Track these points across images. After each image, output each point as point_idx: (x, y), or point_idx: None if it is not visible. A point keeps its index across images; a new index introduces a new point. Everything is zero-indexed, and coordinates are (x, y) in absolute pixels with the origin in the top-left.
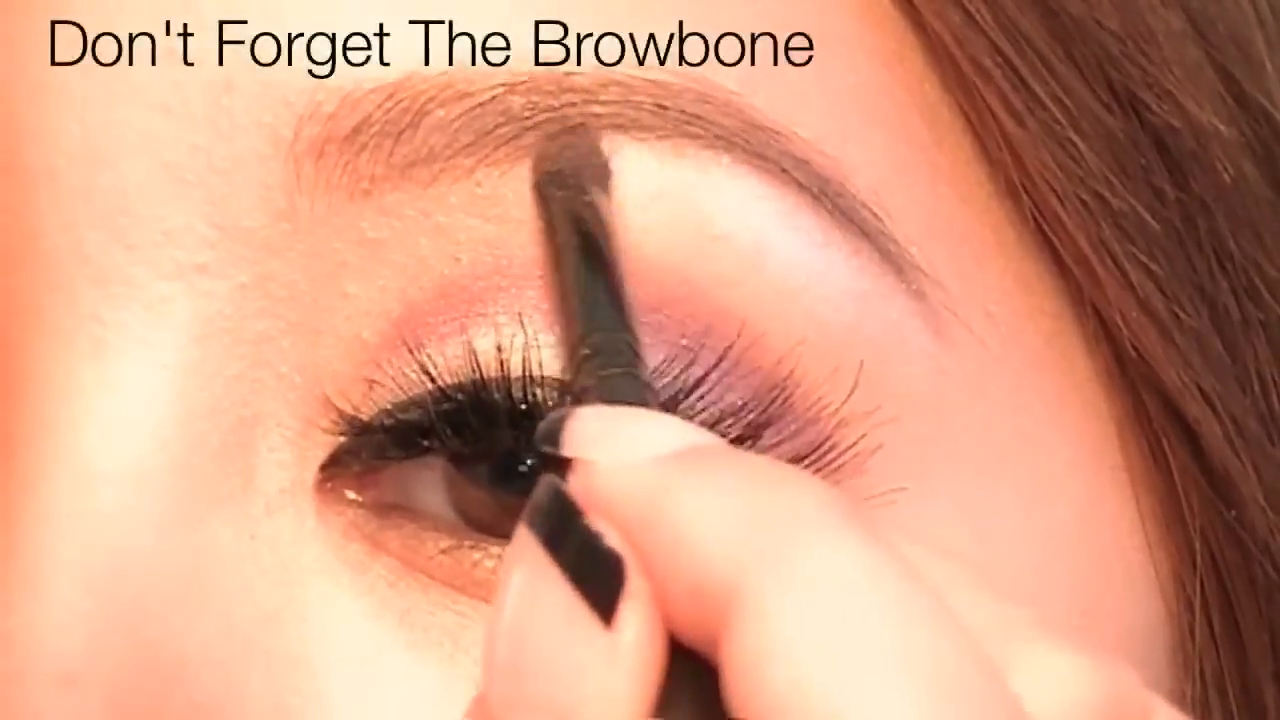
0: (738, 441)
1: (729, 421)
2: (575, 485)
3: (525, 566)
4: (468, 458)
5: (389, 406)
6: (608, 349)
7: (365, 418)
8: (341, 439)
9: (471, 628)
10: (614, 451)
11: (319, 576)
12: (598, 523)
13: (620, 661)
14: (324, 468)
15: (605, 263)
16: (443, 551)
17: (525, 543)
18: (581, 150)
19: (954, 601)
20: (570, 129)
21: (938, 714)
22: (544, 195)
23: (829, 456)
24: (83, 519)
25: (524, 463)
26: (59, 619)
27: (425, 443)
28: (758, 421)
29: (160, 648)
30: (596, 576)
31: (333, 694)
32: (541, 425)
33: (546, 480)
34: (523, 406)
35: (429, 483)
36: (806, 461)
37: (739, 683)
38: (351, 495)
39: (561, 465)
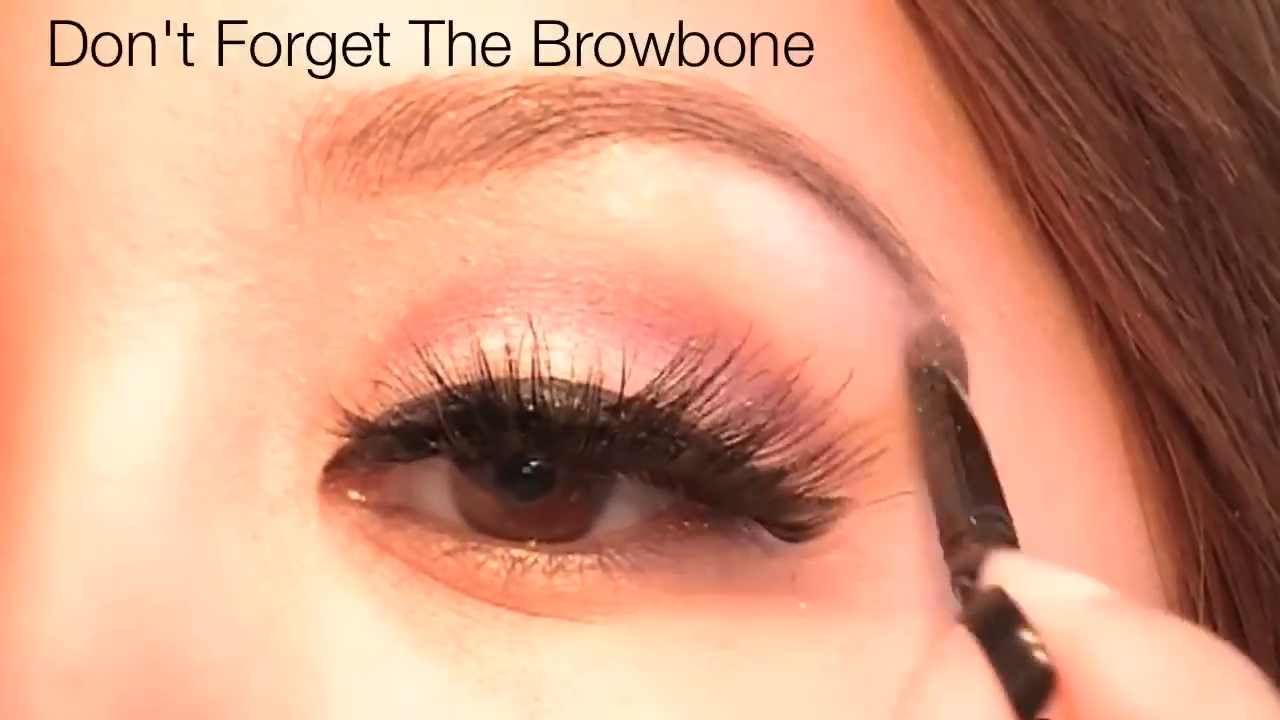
0: (745, 443)
1: (737, 422)
2: None
3: (958, 657)
4: (473, 460)
5: (395, 407)
6: (992, 527)
7: (371, 418)
8: (346, 440)
9: (475, 629)
10: (1039, 590)
11: (323, 577)
12: (1036, 635)
13: None
14: (328, 469)
15: (982, 452)
16: (447, 553)
17: (961, 638)
18: (947, 340)
19: None
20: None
21: None
22: (927, 386)
23: (836, 459)
24: (85, 520)
25: (529, 465)
26: (63, 620)
27: (432, 444)
28: (766, 423)
29: (164, 649)
30: (1025, 682)
31: (336, 695)
32: (959, 559)
33: (994, 587)
34: (530, 408)
35: (434, 484)
36: (814, 464)
37: None
38: (356, 496)
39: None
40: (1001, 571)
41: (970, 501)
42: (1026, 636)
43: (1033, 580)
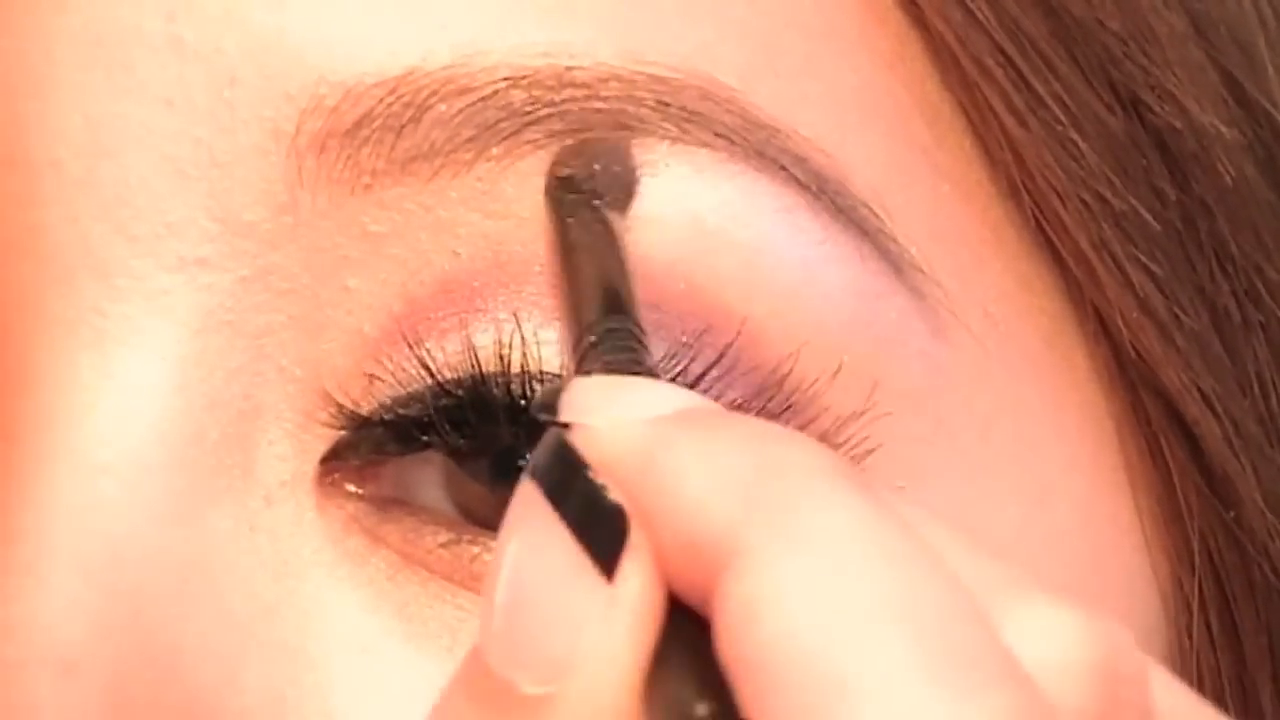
0: None
1: None
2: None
3: (528, 517)
4: (467, 453)
5: (388, 401)
6: (613, 337)
7: (365, 412)
8: (341, 433)
9: (470, 621)
10: (611, 416)
11: (318, 569)
12: (600, 476)
13: (620, 615)
14: (324, 461)
15: (614, 256)
16: (442, 545)
17: (528, 494)
18: (604, 157)
19: (949, 558)
20: (595, 138)
21: (929, 666)
22: (555, 196)
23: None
24: (83, 510)
25: (523, 458)
26: (59, 608)
27: (424, 438)
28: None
29: (159, 638)
30: (599, 529)
31: (330, 685)
32: (538, 395)
33: (551, 434)
34: (522, 403)
35: (429, 477)
36: None
37: (730, 634)
38: (351, 488)
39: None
40: (571, 402)
41: (595, 316)
42: (591, 478)
43: (608, 404)
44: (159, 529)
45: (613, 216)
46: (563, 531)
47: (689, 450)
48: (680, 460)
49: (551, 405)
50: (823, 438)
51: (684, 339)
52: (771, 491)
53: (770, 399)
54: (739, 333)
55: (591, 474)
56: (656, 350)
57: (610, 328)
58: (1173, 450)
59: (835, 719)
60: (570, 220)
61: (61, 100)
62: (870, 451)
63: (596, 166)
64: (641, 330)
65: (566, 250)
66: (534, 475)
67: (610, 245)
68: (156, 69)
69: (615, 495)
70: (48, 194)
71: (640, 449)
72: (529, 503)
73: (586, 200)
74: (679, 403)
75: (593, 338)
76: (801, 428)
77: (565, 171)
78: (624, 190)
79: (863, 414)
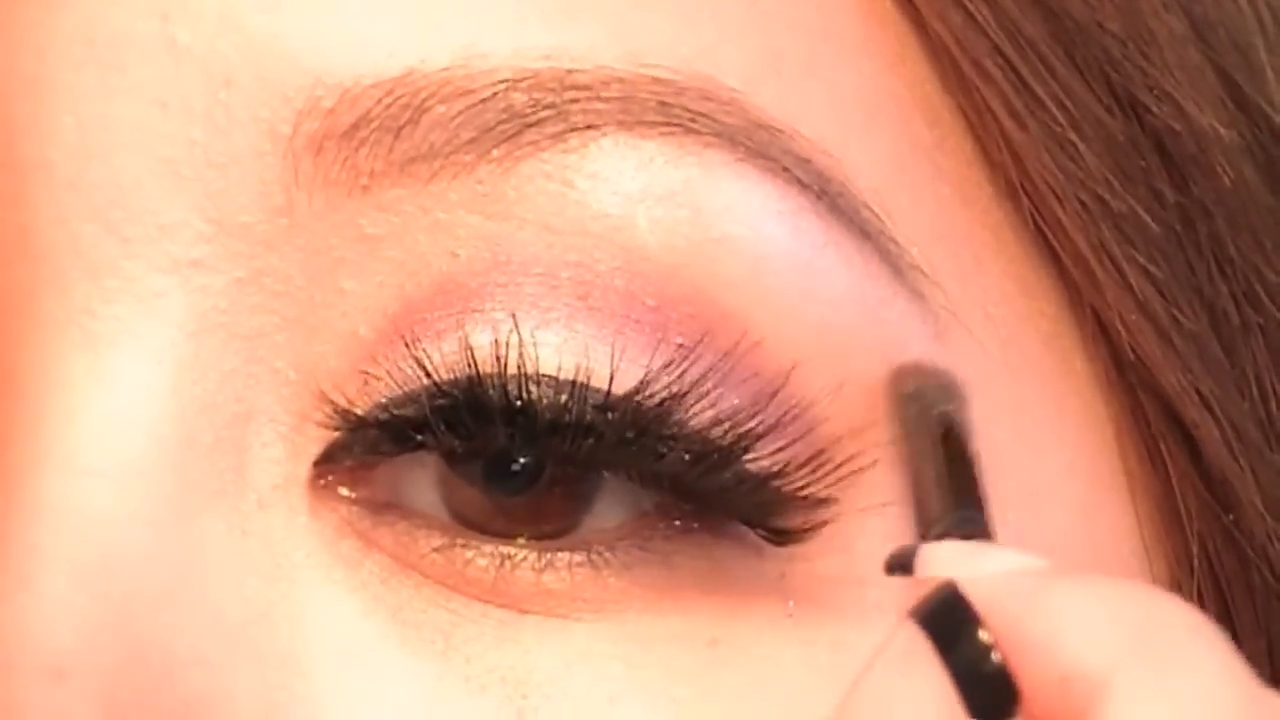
0: (734, 446)
1: (727, 425)
2: None
3: (909, 657)
4: (461, 456)
5: (384, 401)
6: (964, 529)
7: (360, 412)
8: (335, 433)
9: (463, 626)
10: (971, 569)
11: (311, 573)
12: (989, 633)
13: None
14: (317, 464)
15: (965, 457)
16: (435, 550)
17: (912, 637)
18: (938, 377)
19: None
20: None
21: None
22: (906, 406)
23: (826, 465)
24: (74, 513)
25: (517, 462)
26: (49, 613)
27: (419, 438)
28: (756, 426)
29: (150, 643)
30: (983, 691)
31: (323, 691)
32: (891, 555)
33: (945, 583)
34: (518, 404)
35: (422, 481)
36: (803, 469)
37: None
38: (345, 492)
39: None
40: (932, 558)
41: (949, 506)
42: (984, 638)
43: (964, 560)
44: (151, 533)
45: (963, 415)
46: (946, 683)
47: (1072, 594)
48: (1065, 601)
49: (905, 564)
50: (823, 448)
51: (680, 340)
52: (1153, 642)
53: (770, 405)
54: (740, 339)
55: (983, 633)
56: (649, 350)
57: (957, 517)
58: (1172, 453)
59: None
60: (925, 419)
61: (53, 101)
62: (871, 455)
63: (937, 383)
64: (991, 529)
65: (923, 445)
66: (920, 620)
67: (965, 442)
68: (150, 70)
69: (1000, 658)
70: (39, 195)
71: (1014, 592)
72: (912, 644)
73: (938, 405)
74: (1040, 562)
75: (946, 525)
76: (802, 436)
77: (913, 385)
78: (960, 402)
79: (863, 418)
